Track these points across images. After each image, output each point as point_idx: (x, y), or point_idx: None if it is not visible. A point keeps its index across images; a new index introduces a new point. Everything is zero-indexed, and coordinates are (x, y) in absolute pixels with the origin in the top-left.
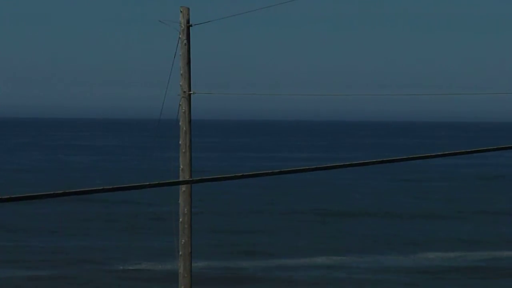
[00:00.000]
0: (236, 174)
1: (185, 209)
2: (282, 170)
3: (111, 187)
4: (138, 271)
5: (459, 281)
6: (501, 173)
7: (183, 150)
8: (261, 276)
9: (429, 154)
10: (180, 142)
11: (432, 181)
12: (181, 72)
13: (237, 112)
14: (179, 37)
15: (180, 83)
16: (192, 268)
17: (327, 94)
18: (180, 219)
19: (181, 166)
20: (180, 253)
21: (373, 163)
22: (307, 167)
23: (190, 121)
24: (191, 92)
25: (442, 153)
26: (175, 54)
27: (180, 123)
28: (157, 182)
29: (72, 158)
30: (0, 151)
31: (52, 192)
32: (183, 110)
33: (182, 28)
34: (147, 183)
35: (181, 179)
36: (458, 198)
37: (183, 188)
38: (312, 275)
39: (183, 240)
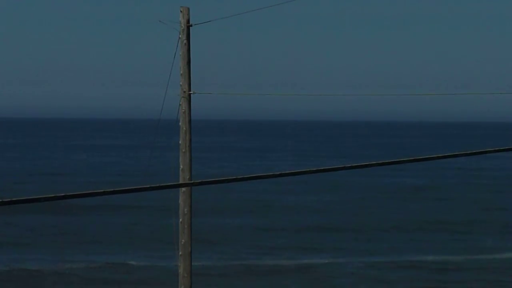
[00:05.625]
0: (237, 177)
1: (185, 209)
2: (283, 172)
3: (111, 190)
4: (138, 271)
5: None
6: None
7: (183, 150)
8: (260, 276)
9: (429, 156)
10: (180, 142)
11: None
12: (181, 72)
13: (237, 112)
14: (179, 37)
15: (180, 83)
16: (192, 268)
17: (328, 94)
18: (180, 219)
19: (181, 166)
20: (180, 253)
21: (374, 165)
22: (308, 169)
23: (190, 121)
24: (191, 92)
25: (442, 154)
26: (175, 54)
27: (180, 123)
28: (158, 185)
29: (72, 159)
30: (2, 151)
31: (53, 195)
32: (183, 110)
33: (182, 28)
34: (148, 186)
35: (181, 179)
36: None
37: (182, 188)
38: (312, 274)
39: (183, 240)
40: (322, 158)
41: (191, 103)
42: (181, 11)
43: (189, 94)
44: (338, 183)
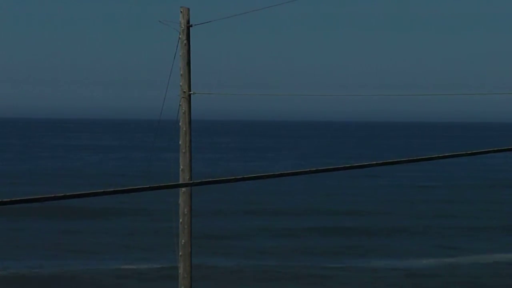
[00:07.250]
0: (236, 177)
1: (185, 210)
2: (283, 172)
3: (111, 190)
4: (138, 271)
5: None
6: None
7: (183, 151)
8: (260, 275)
9: (429, 156)
10: (180, 143)
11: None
12: (181, 72)
13: (237, 112)
14: (179, 37)
15: (180, 84)
16: (192, 268)
17: (328, 94)
18: (180, 220)
19: (181, 167)
20: (180, 253)
21: (374, 165)
22: (308, 169)
23: (190, 121)
24: (191, 92)
25: (442, 154)
26: (175, 55)
27: (180, 124)
28: (157, 185)
29: (71, 159)
30: (0, 152)
31: (52, 195)
32: (183, 110)
33: (182, 28)
34: (148, 186)
35: (181, 179)
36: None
37: (183, 188)
38: (311, 276)
39: (183, 241)
40: (322, 158)
41: (191, 103)
42: (181, 12)
43: (189, 95)
44: (338, 184)
